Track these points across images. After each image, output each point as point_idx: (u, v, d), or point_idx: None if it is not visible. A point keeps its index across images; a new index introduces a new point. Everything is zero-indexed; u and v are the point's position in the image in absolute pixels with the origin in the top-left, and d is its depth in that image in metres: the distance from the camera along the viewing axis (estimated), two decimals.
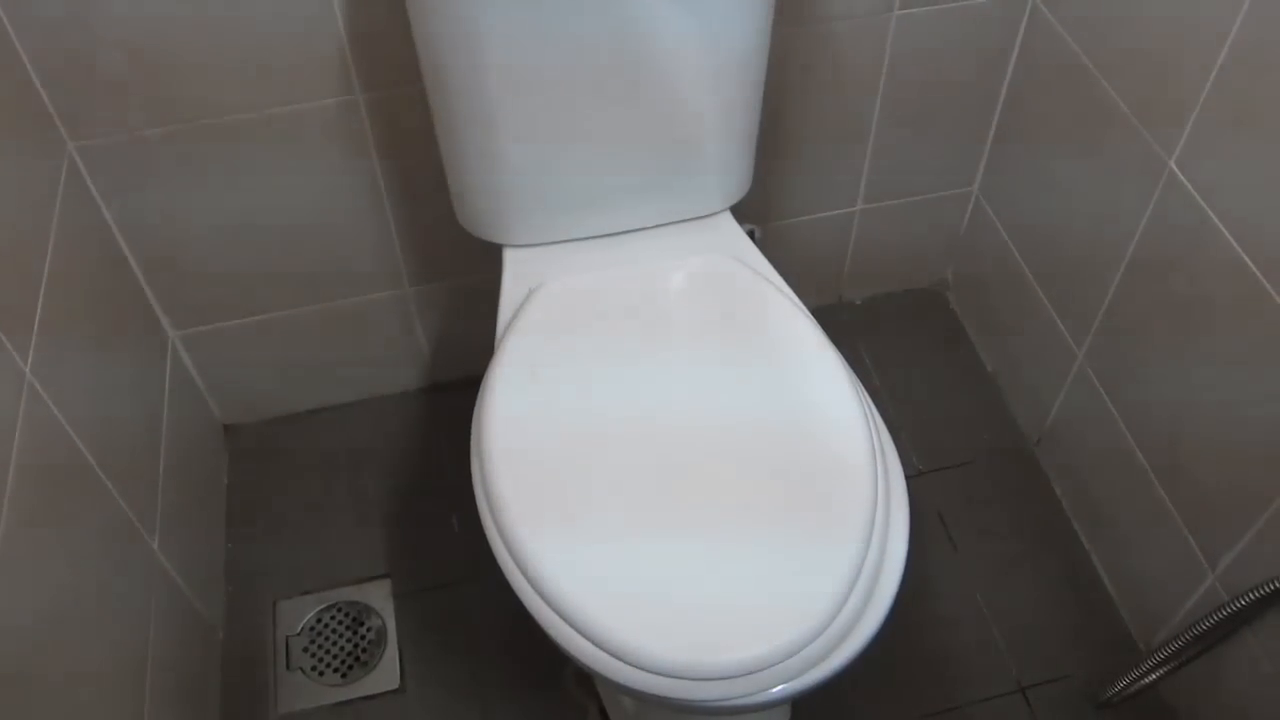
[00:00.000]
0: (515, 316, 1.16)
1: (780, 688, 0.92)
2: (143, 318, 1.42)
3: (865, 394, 1.11)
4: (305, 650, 1.43)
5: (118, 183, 1.29)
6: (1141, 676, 1.20)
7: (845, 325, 1.74)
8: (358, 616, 1.46)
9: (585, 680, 1.38)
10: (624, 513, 0.99)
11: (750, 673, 0.91)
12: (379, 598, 1.48)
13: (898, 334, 1.73)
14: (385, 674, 1.41)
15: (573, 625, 0.94)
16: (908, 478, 1.53)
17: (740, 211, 1.49)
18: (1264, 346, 1.07)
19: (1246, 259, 1.07)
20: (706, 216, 1.27)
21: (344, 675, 1.41)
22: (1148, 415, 1.30)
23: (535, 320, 1.16)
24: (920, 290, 1.79)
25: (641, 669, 0.92)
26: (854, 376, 1.11)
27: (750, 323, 1.16)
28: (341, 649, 1.43)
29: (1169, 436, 1.27)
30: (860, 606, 0.95)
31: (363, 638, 1.44)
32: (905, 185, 1.61)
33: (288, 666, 1.41)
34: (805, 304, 1.72)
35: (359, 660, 1.42)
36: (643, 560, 0.96)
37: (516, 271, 1.22)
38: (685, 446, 1.04)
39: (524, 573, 0.97)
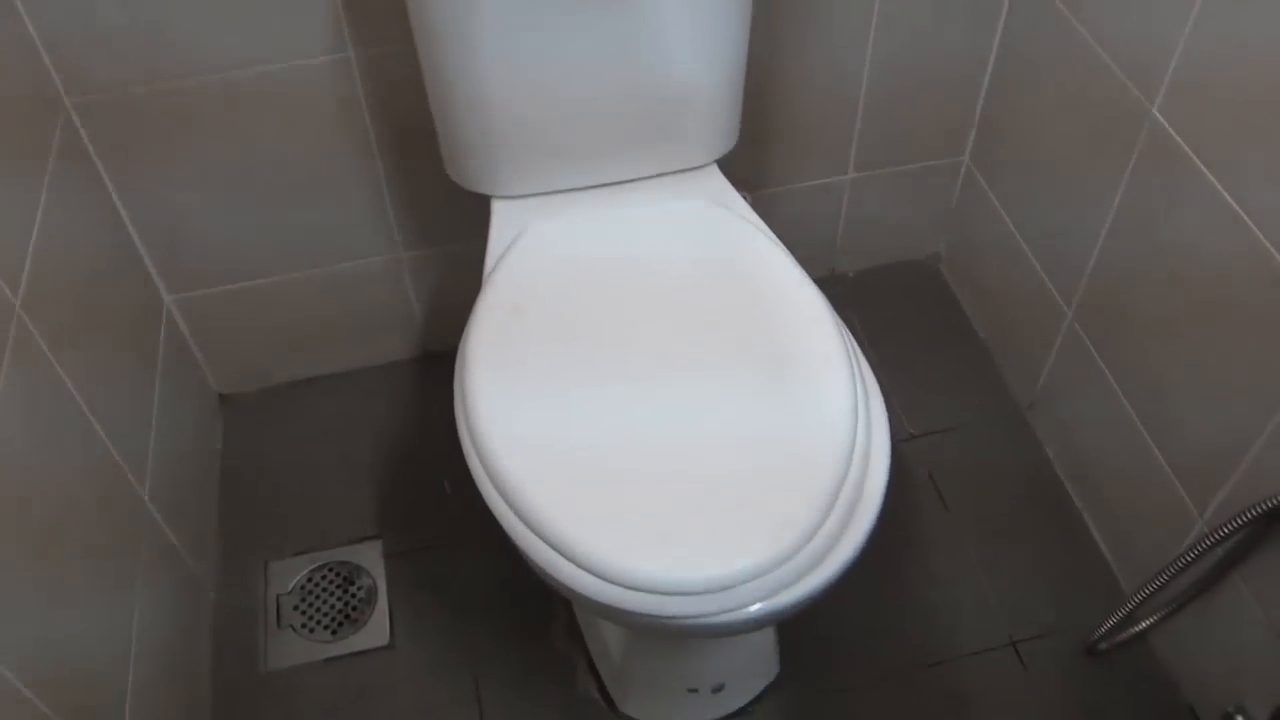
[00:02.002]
0: (502, 256, 1.17)
1: (758, 605, 0.92)
2: (139, 281, 1.43)
3: (849, 334, 1.12)
4: (296, 609, 1.43)
5: (114, 141, 1.30)
6: (1129, 619, 1.19)
7: (838, 297, 1.70)
8: (348, 576, 1.46)
9: (573, 634, 1.37)
10: (600, 427, 1.00)
11: (725, 588, 0.91)
12: (370, 558, 1.48)
13: (891, 305, 1.74)
14: (375, 631, 1.41)
15: (549, 542, 0.94)
16: (901, 442, 1.56)
17: (730, 178, 1.51)
18: (1246, 295, 1.07)
19: (1233, 203, 1.07)
20: (693, 169, 1.28)
21: (334, 632, 1.41)
22: (1138, 366, 1.30)
23: (521, 259, 1.17)
24: (913, 263, 1.79)
25: (613, 583, 0.92)
26: (839, 321, 1.12)
27: (732, 260, 1.17)
28: (332, 607, 1.43)
29: (1155, 388, 1.27)
30: (842, 522, 0.96)
31: (353, 596, 1.44)
32: (896, 154, 1.62)
33: (278, 625, 1.42)
34: None
35: (349, 618, 1.42)
36: (618, 472, 0.97)
37: (503, 222, 1.23)
38: (665, 364, 1.05)
39: (496, 486, 0.98)
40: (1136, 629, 1.28)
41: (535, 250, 1.18)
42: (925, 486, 1.52)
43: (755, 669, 1.30)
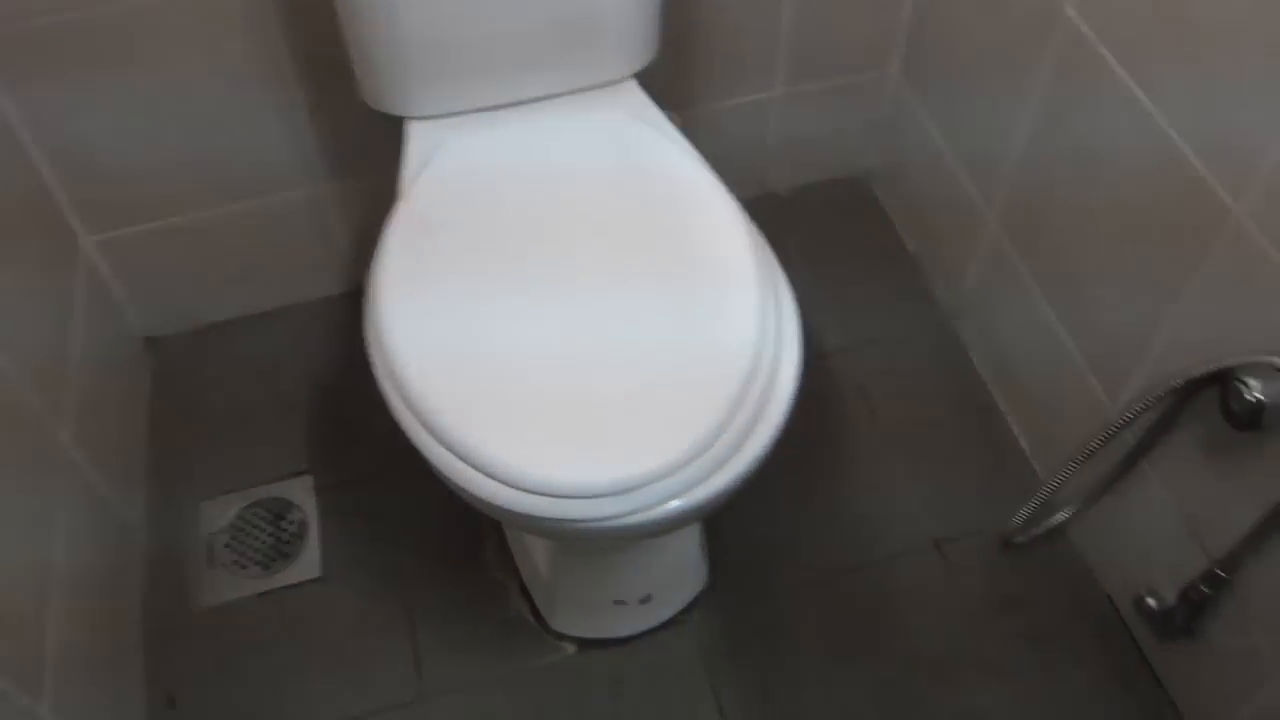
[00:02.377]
0: (414, 177, 1.16)
1: (672, 504, 0.93)
2: (52, 221, 1.40)
3: (763, 242, 1.12)
4: (227, 546, 1.43)
5: (19, 72, 1.26)
6: (1045, 510, 1.21)
7: (772, 216, 1.71)
8: (279, 512, 1.46)
9: (504, 557, 1.38)
10: (510, 339, 1.00)
11: (635, 488, 0.91)
12: (301, 493, 1.47)
13: (823, 221, 1.73)
14: (307, 564, 1.41)
15: (461, 456, 0.94)
16: (829, 354, 1.57)
17: (654, 96, 1.50)
18: (1157, 194, 1.08)
19: (1145, 101, 1.08)
20: (612, 85, 1.27)
21: (266, 568, 1.40)
22: (1053, 265, 1.31)
23: (432, 179, 1.15)
24: (846, 179, 1.79)
25: (528, 491, 0.92)
26: (752, 229, 1.12)
27: (645, 172, 1.16)
28: (264, 544, 1.43)
29: (1070, 287, 1.28)
30: (750, 421, 0.96)
31: (284, 531, 1.44)
32: (824, 69, 1.61)
33: (210, 563, 1.41)
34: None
35: (281, 553, 1.42)
36: (528, 382, 0.97)
37: (417, 143, 1.21)
38: (577, 276, 1.05)
39: (406, 403, 0.98)
40: (1054, 522, 1.30)
41: (447, 170, 1.17)
42: (854, 397, 1.53)
43: (682, 579, 1.31)
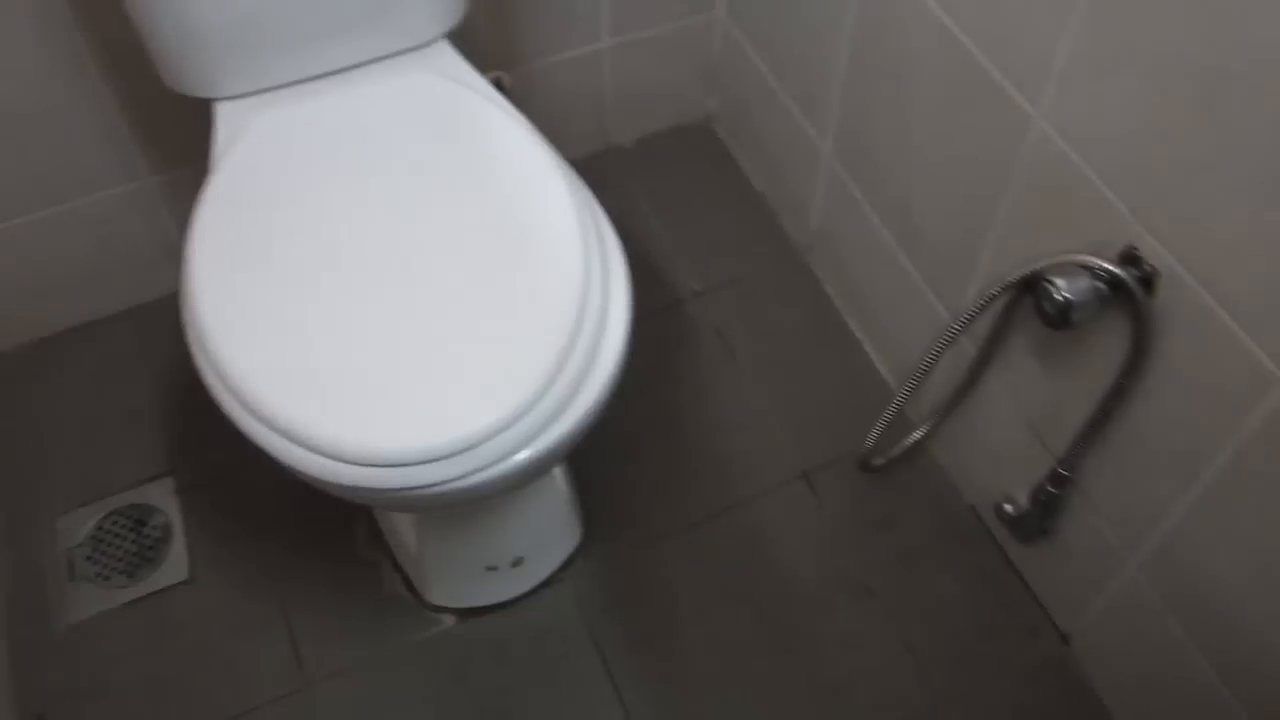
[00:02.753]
0: (222, 156, 1.12)
1: (517, 456, 0.92)
2: None
3: (578, 184, 1.11)
4: (89, 559, 1.38)
5: None
6: (898, 427, 1.23)
7: (617, 168, 1.73)
8: (140, 518, 1.41)
9: (376, 537, 1.36)
10: (329, 312, 0.98)
11: (470, 447, 0.90)
12: (161, 496, 1.43)
13: (670, 170, 1.73)
14: (173, 568, 1.37)
15: (288, 436, 0.92)
16: (685, 300, 1.58)
17: (481, 58, 1.46)
18: (963, 102, 1.10)
19: (940, 14, 1.09)
20: (423, 48, 1.24)
21: (131, 576, 1.36)
22: (885, 189, 1.33)
23: (241, 157, 1.12)
24: (689, 125, 1.79)
25: (362, 465, 0.91)
26: (567, 173, 1.10)
27: (460, 134, 1.14)
28: (127, 552, 1.39)
29: (901, 208, 1.30)
30: (580, 374, 0.96)
31: (147, 537, 1.40)
32: (650, 15, 1.60)
33: (72, 578, 1.36)
34: (573, 152, 1.72)
35: (146, 560, 1.38)
36: (348, 355, 0.95)
37: (226, 124, 1.17)
38: (394, 244, 1.03)
39: (228, 388, 0.95)
40: (910, 441, 1.32)
41: (255, 149, 1.13)
42: (713, 339, 1.54)
43: (554, 539, 1.31)
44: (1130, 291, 0.91)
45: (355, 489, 0.93)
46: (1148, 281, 0.93)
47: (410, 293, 0.99)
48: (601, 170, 1.72)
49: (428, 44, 1.24)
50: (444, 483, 0.91)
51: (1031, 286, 0.95)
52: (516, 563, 1.27)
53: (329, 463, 0.92)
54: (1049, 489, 1.14)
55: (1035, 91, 0.99)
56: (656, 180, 1.72)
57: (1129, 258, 0.94)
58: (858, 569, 1.34)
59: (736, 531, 1.37)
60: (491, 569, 1.26)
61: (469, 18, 1.26)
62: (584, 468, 1.39)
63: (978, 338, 1.20)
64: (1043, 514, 1.18)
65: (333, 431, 0.91)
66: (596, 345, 0.98)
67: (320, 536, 1.38)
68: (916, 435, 1.32)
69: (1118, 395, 0.99)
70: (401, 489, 0.92)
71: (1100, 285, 0.92)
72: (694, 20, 1.63)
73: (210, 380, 0.98)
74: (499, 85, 1.53)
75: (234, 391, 0.95)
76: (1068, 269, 0.93)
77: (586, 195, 1.11)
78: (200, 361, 0.99)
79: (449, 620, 1.31)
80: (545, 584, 1.32)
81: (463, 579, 1.28)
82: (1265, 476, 0.89)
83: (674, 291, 1.58)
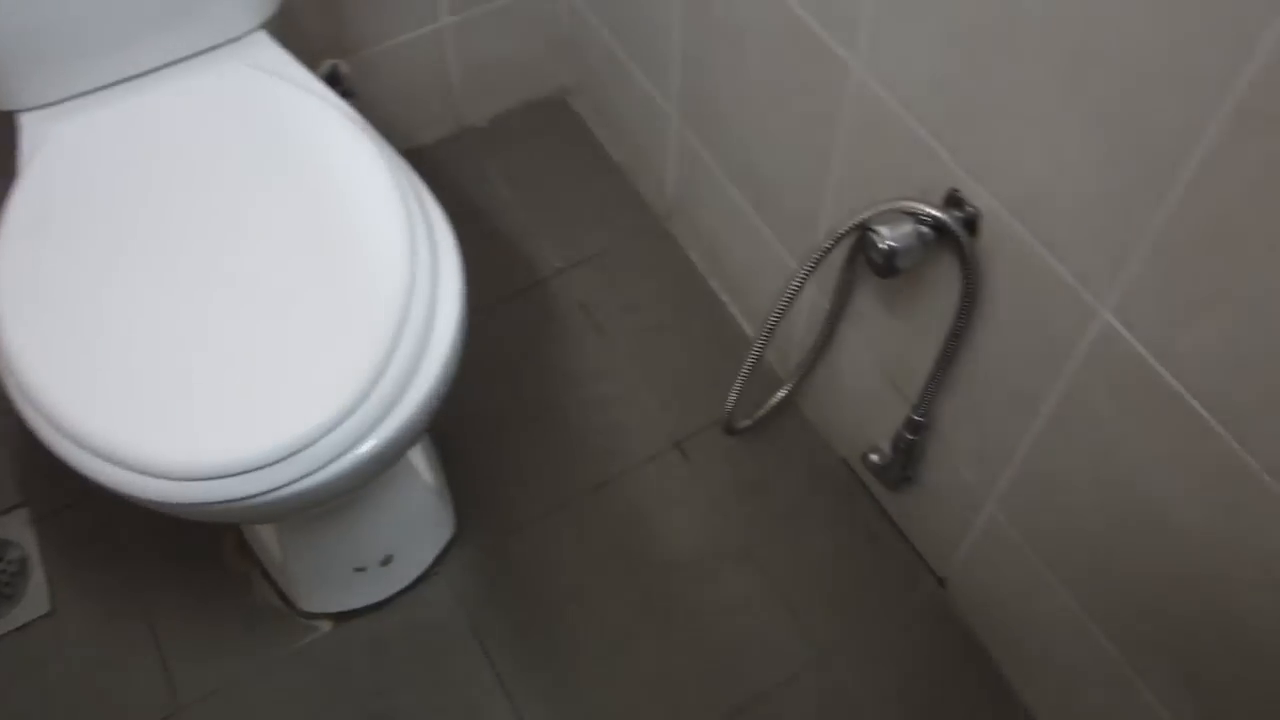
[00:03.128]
0: (24, 169, 1.07)
1: (354, 453, 0.90)
2: None
3: (405, 173, 1.07)
4: None
5: None
6: (755, 388, 1.22)
7: (472, 149, 1.69)
8: None
9: (243, 548, 1.32)
10: (142, 327, 0.93)
11: (299, 450, 0.87)
12: (17, 528, 1.37)
13: (526, 147, 1.70)
14: (34, 601, 1.31)
15: (119, 462, 0.88)
16: (548, 278, 1.55)
17: (312, 47, 1.42)
18: (791, 65, 1.08)
19: None
20: (239, 40, 1.19)
21: None
22: (732, 151, 1.32)
23: (45, 169, 1.06)
24: (543, 100, 1.76)
25: (187, 480, 0.87)
26: (392, 160, 1.07)
27: (278, 129, 1.09)
28: None
29: (748, 170, 1.29)
30: (407, 371, 0.93)
31: (3, 572, 1.34)
32: None
33: None
34: (425, 136, 1.69)
35: (3, 596, 1.32)
36: (165, 369, 0.91)
37: (29, 136, 1.11)
38: (207, 243, 0.99)
39: (35, 408, 0.91)
40: (775, 400, 1.32)
41: (57, 159, 1.07)
42: (579, 316, 1.52)
43: (424, 532, 1.28)
44: (954, 234, 0.91)
45: (183, 505, 0.89)
46: (971, 223, 0.93)
47: (228, 296, 0.95)
48: (456, 152, 1.69)
49: (243, 36, 1.19)
50: (274, 490, 0.88)
51: (861, 235, 0.95)
52: (386, 561, 1.24)
53: (154, 481, 0.88)
54: (906, 436, 1.15)
55: (850, 40, 0.98)
56: (513, 158, 1.68)
57: (953, 200, 0.94)
58: (736, 533, 1.34)
59: (613, 507, 1.36)
60: (360, 570, 1.23)
61: (292, 6, 1.22)
62: (453, 456, 1.37)
63: (828, 291, 1.20)
64: (905, 461, 1.19)
65: (153, 447, 0.87)
66: (426, 335, 0.95)
67: (186, 552, 1.33)
68: (781, 393, 1.32)
69: (956, 338, 0.99)
70: (228, 501, 0.88)
71: (924, 230, 0.92)
72: None
73: (21, 405, 0.93)
74: (335, 74, 1.48)
75: (45, 414, 0.90)
76: (891, 216, 0.92)
77: (413, 182, 1.07)
78: (9, 386, 0.94)
79: (324, 626, 1.28)
80: (421, 579, 1.30)
81: (332, 583, 1.25)
82: (1092, 406, 0.90)
83: (536, 270, 1.56)
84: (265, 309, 0.94)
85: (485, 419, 1.42)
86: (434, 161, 1.67)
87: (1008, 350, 0.97)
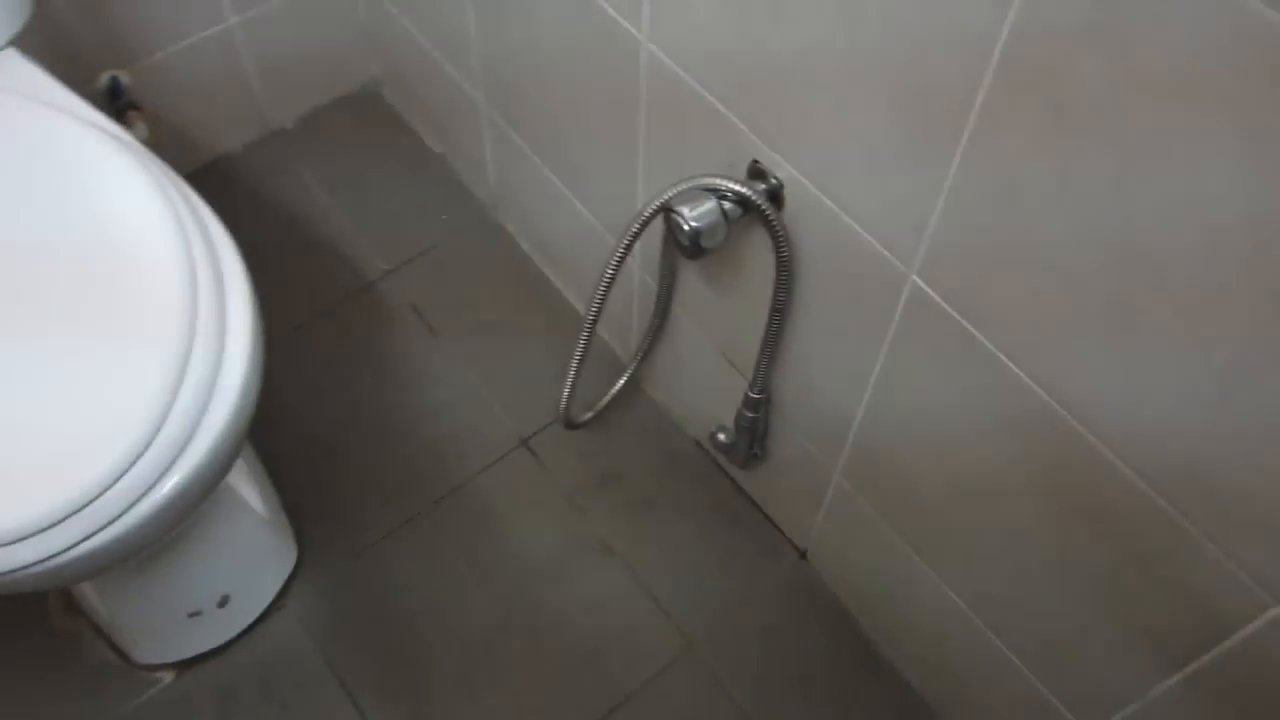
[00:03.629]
0: None
1: (113, 528, 0.82)
2: None
3: (181, 197, 0.99)
4: None
5: None
6: (596, 378, 1.18)
7: (282, 153, 1.60)
8: None
9: (71, 607, 1.23)
10: None
11: (77, 510, 0.80)
12: None
13: (340, 145, 1.62)
14: None
15: None
16: (375, 282, 1.48)
17: (87, 60, 1.32)
18: (583, 35, 1.03)
19: None
20: None
21: None
22: (541, 133, 1.26)
23: None
24: (353, 95, 1.67)
25: None
26: (162, 181, 0.98)
27: (29, 153, 1.00)
28: None
29: (562, 150, 1.24)
30: (199, 400, 0.86)
31: None
32: None
33: None
34: (228, 144, 1.59)
35: None
36: None
37: None
38: None
39: None
40: (616, 388, 1.28)
41: None
42: (410, 318, 1.45)
43: (260, 567, 1.21)
44: (760, 208, 0.88)
45: None
46: (775, 195, 0.89)
47: None
48: (266, 157, 1.60)
49: None
50: (58, 555, 0.81)
51: (665, 217, 0.91)
52: (223, 602, 1.17)
53: None
54: (747, 414, 1.12)
55: (635, 12, 0.94)
56: (327, 158, 1.60)
57: (756, 173, 0.90)
58: (593, 528, 1.30)
59: (463, 516, 1.30)
60: (196, 614, 1.16)
61: (56, 17, 1.12)
62: (288, 480, 1.29)
63: (654, 272, 1.16)
64: (749, 439, 1.16)
65: None
66: (215, 371, 0.88)
67: (10, 617, 1.24)
68: (620, 381, 1.28)
69: (779, 313, 0.97)
70: (11, 571, 0.81)
71: (729, 206, 0.89)
72: None
73: None
74: (116, 86, 1.39)
75: None
76: (693, 195, 0.89)
77: (191, 203, 0.99)
78: None
79: (166, 677, 1.20)
80: (265, 616, 1.23)
81: (167, 631, 1.17)
82: (914, 371, 0.88)
83: (361, 275, 1.49)
84: (31, 358, 0.86)
85: (320, 437, 1.35)
86: (243, 169, 1.58)
87: (830, 321, 0.95)
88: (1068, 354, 0.73)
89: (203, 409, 0.87)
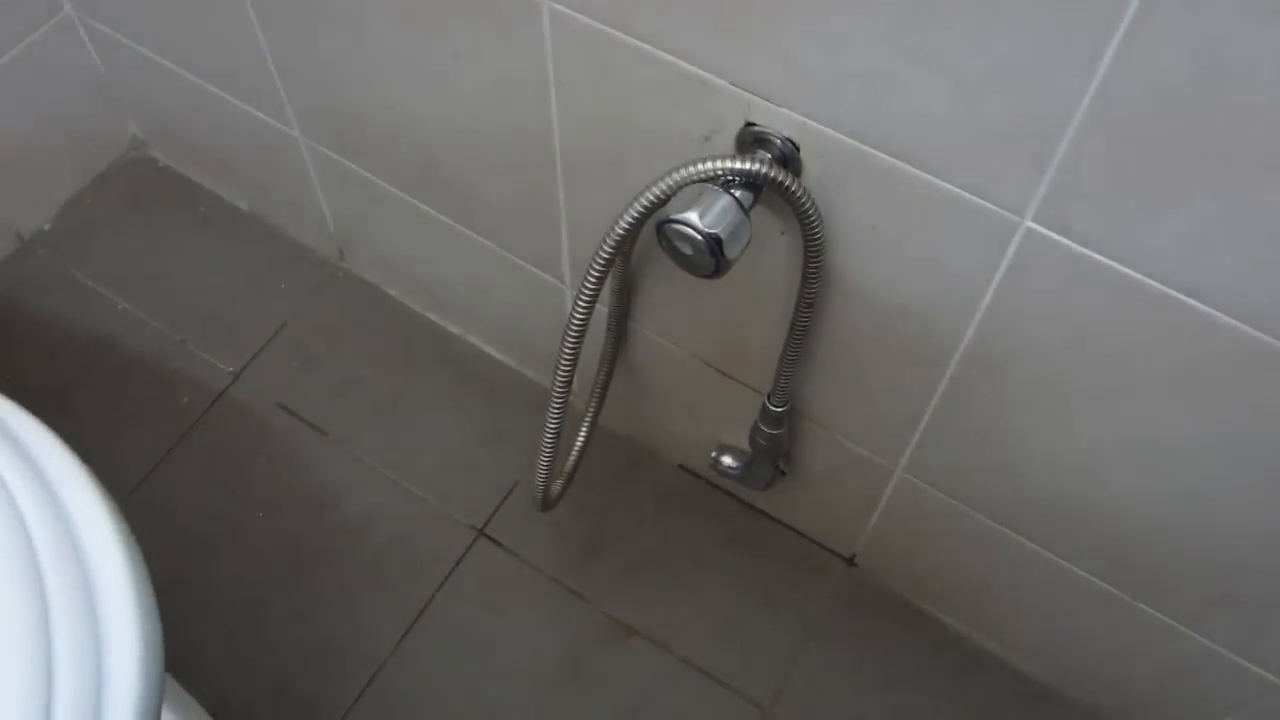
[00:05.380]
0: None
1: None
2: None
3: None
4: None
5: None
6: (556, 449, 0.92)
7: (46, 263, 1.25)
8: None
9: None
10: None
11: None
12: None
13: (120, 232, 1.27)
14: None
15: None
16: (225, 389, 1.17)
17: None
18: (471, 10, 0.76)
19: None
20: None
21: None
22: (383, 146, 0.98)
23: None
24: (117, 167, 1.31)
25: None
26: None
27: None
28: None
29: (428, 164, 0.96)
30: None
31: None
32: None
33: None
34: None
35: None
36: None
37: None
38: None
39: None
40: (580, 440, 1.02)
41: None
42: (283, 422, 1.15)
43: None
44: (776, 181, 0.64)
45: None
46: (789, 160, 0.66)
47: None
48: (28, 274, 1.24)
49: None
50: None
51: (658, 235, 0.66)
52: None
53: None
54: (767, 430, 0.89)
55: None
56: (107, 254, 1.26)
57: (753, 139, 0.66)
58: (600, 610, 1.05)
59: (438, 647, 1.03)
60: None
61: None
62: (210, 690, 1.00)
63: (602, 295, 0.90)
64: (772, 457, 0.93)
65: None
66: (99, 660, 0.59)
67: None
68: (584, 429, 1.02)
69: (809, 306, 0.73)
70: None
71: (740, 194, 0.64)
72: (45, 28, 1.15)
73: None
74: None
75: None
76: (689, 194, 0.63)
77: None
78: None
79: None
80: None
81: None
82: (1031, 333, 0.67)
83: (204, 386, 1.17)
84: None
85: (240, 604, 1.05)
86: (2, 297, 1.22)
87: (886, 303, 0.72)
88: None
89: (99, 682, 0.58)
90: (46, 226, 1.27)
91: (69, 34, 1.17)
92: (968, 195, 0.60)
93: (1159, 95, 0.49)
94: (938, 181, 0.61)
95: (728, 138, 0.67)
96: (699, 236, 0.62)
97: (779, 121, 0.64)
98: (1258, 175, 0.50)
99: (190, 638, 1.02)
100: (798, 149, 0.65)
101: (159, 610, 0.64)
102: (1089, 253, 0.59)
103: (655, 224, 0.65)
